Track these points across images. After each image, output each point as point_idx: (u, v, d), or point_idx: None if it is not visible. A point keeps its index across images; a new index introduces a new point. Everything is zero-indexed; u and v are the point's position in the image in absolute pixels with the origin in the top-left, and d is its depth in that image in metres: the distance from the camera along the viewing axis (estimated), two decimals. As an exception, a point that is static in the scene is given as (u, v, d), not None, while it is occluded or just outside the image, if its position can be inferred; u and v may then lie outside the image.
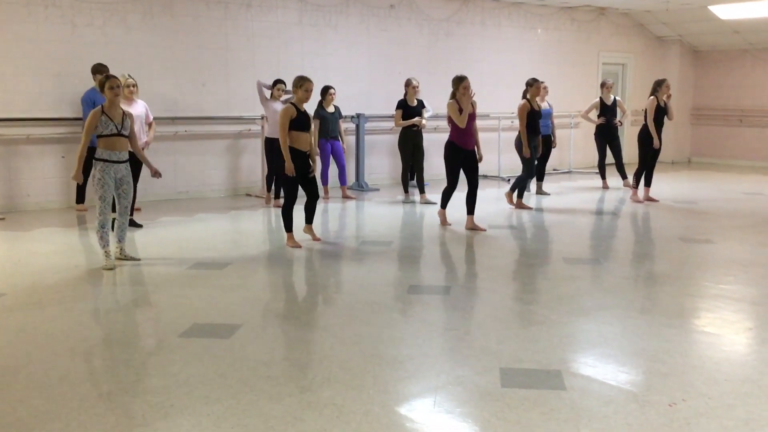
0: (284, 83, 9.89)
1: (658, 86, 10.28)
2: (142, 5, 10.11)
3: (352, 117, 11.62)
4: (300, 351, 4.56)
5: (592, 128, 12.15)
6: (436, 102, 11.30)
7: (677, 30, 15.79)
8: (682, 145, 16.65)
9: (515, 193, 9.90)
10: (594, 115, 11.97)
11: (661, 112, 10.22)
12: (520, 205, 9.84)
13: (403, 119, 10.33)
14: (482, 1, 13.46)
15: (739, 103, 15.90)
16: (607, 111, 11.77)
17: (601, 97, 11.86)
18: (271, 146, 9.53)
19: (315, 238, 7.68)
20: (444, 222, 8.57)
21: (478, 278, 6.49)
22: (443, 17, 13.08)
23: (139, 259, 6.78)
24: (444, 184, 8.54)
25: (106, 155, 6.43)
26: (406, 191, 10.56)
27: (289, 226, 7.47)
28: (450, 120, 8.23)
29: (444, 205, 8.60)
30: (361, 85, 12.10)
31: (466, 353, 4.43)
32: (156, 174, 6.95)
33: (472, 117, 8.22)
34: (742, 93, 15.87)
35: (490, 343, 4.61)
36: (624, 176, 11.79)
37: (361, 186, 11.71)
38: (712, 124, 16.42)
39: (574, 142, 14.64)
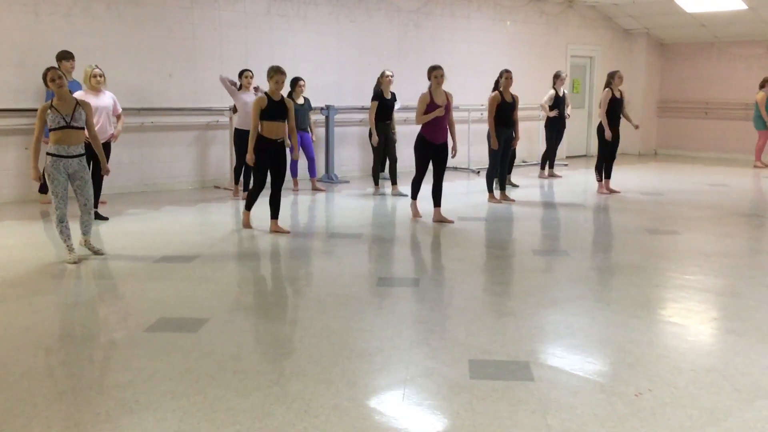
0: (251, 71, 9.76)
1: (612, 78, 10.39)
2: (107, -6, 9.94)
3: (322, 108, 11.56)
4: (268, 345, 4.52)
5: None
6: (407, 93, 11.28)
7: (644, 23, 15.95)
8: (648, 137, 16.84)
9: (496, 189, 9.90)
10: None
11: (616, 104, 10.33)
12: (503, 198, 9.81)
13: (378, 111, 10.16)
14: (452, -8, 13.45)
15: (705, 95, 16.12)
16: (560, 103, 12.03)
17: (555, 89, 12.00)
18: (240, 138, 9.43)
19: (284, 231, 7.65)
20: (416, 214, 8.54)
21: (448, 270, 6.49)
22: (413, 8, 13.05)
23: (103, 253, 6.64)
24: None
25: (55, 150, 6.23)
26: (376, 183, 10.55)
27: (249, 205, 7.79)
28: (423, 110, 8.10)
29: (414, 195, 8.58)
30: (331, 77, 12.03)
31: (435, 345, 4.43)
32: (105, 172, 6.85)
33: (446, 110, 8.14)
34: (707, 86, 16.09)
35: (459, 335, 4.61)
36: (551, 166, 12.39)
37: (330, 178, 11.66)
38: (679, 117, 16.63)
39: (543, 134, 14.70)
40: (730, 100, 15.69)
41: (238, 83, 9.72)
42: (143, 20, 10.26)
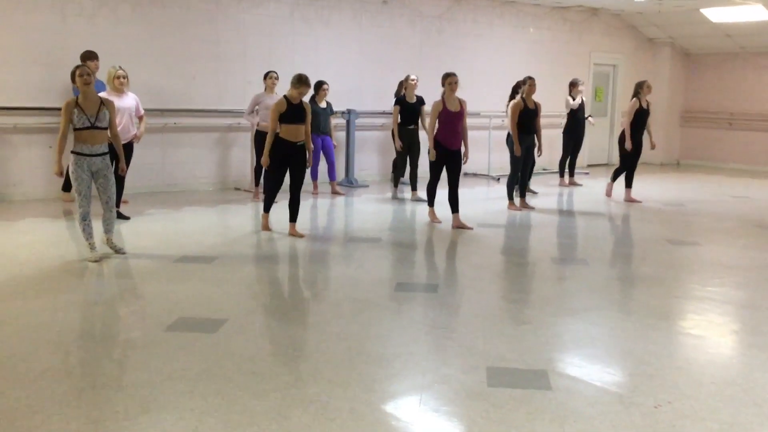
0: (275, 72, 9.79)
1: (640, 88, 10.30)
2: (133, -4, 10.04)
3: (343, 113, 11.58)
4: (286, 347, 4.53)
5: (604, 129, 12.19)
6: (427, 98, 11.26)
7: (669, 32, 15.83)
8: (671, 147, 16.70)
9: (516, 196, 9.85)
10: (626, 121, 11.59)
11: (642, 115, 10.25)
12: (523, 205, 9.72)
13: (401, 116, 10.14)
14: (475, -1, 13.45)
15: (729, 106, 15.97)
16: (578, 111, 12.03)
17: (573, 96, 11.99)
18: (261, 139, 9.46)
19: (299, 235, 7.63)
20: (434, 219, 8.54)
21: (466, 277, 6.47)
22: (435, 14, 13.06)
23: (125, 252, 6.69)
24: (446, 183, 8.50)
25: (79, 148, 6.29)
26: (396, 187, 10.56)
27: (267, 207, 7.83)
28: (437, 117, 8.18)
29: (431, 202, 8.59)
30: (352, 81, 12.06)
31: (453, 352, 4.42)
32: (122, 171, 6.90)
33: (460, 116, 8.16)
34: (732, 96, 15.93)
35: (476, 342, 4.60)
36: (572, 174, 12.41)
37: (350, 182, 11.68)
38: (702, 127, 16.49)
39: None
40: (755, 111, 15.53)
41: (254, 103, 9.72)
42: (168, 23, 10.35)
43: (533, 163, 10.26)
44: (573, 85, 12.03)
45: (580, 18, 15.03)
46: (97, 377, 3.95)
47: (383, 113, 11.75)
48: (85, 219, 6.40)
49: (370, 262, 6.72)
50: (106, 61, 8.94)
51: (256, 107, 9.70)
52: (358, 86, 12.12)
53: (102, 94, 7.63)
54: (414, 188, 10.29)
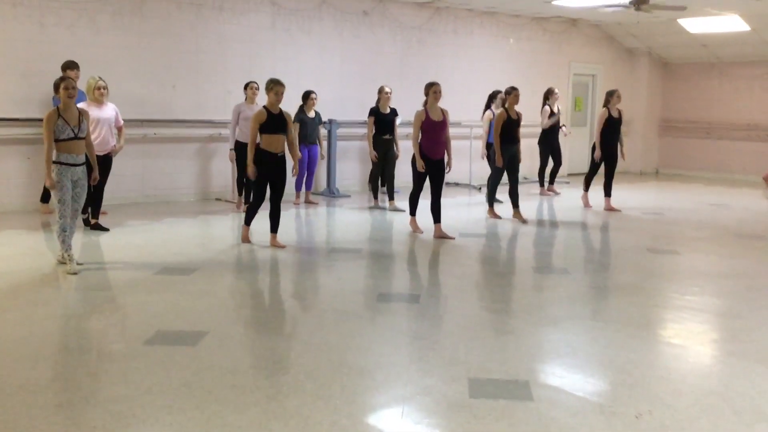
0: (256, 83, 9.75)
1: (610, 97, 10.42)
2: (112, 6, 9.98)
3: (324, 123, 11.57)
4: (267, 359, 4.50)
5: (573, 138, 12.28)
6: (410, 108, 11.27)
7: (647, 42, 16.00)
8: (650, 156, 16.85)
9: (496, 203, 9.94)
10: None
11: (614, 124, 10.35)
12: (517, 217, 9.54)
13: (376, 126, 10.28)
14: (455, 9, 13.50)
15: (707, 115, 16.14)
16: (555, 120, 12.19)
17: (549, 105, 12.10)
18: (241, 150, 9.46)
19: (281, 246, 7.57)
20: (416, 229, 8.52)
21: (447, 287, 6.47)
22: (416, 25, 13.10)
23: (81, 264, 6.49)
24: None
25: (63, 158, 6.30)
26: (375, 197, 10.58)
27: (248, 220, 7.70)
28: (419, 127, 8.15)
29: (413, 211, 8.55)
30: (334, 91, 12.05)
31: (435, 363, 4.41)
32: (94, 180, 6.71)
33: (443, 126, 8.18)
34: (709, 106, 16.11)
35: (458, 352, 4.59)
36: (551, 182, 12.54)
37: (332, 192, 11.66)
38: (680, 136, 16.65)
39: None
40: (732, 120, 15.70)
41: (236, 114, 9.72)
42: (148, 33, 10.30)
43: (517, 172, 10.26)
44: (550, 93, 12.14)
45: (559, 28, 15.14)
46: (75, 392, 3.90)
47: (364, 123, 11.75)
48: (65, 230, 6.35)
49: (351, 273, 6.71)
50: (86, 70, 8.88)
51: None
52: (340, 96, 12.12)
53: (81, 105, 7.58)
54: (391, 198, 10.30)
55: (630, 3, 11.22)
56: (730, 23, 13.55)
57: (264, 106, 7.41)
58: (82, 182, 6.44)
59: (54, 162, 6.30)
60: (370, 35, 12.56)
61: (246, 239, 7.78)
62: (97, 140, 7.75)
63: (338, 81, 12.17)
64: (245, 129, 9.33)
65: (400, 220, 9.36)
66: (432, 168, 8.21)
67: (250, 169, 7.39)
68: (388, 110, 10.36)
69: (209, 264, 6.86)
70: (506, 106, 9.54)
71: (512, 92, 9.49)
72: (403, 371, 4.27)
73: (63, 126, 6.25)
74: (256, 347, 4.74)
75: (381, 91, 10.41)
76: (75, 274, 6.28)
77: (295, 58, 11.64)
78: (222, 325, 5.08)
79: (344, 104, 12.13)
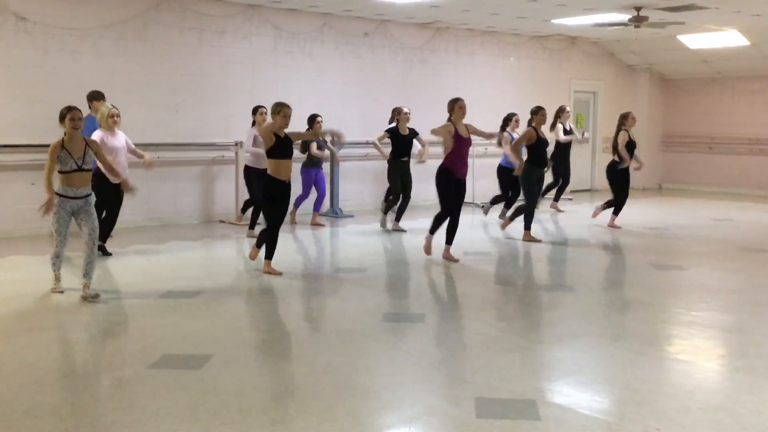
0: (265, 107, 9.58)
1: (625, 120, 10.30)
2: (115, 31, 10.07)
3: (326, 143, 11.60)
4: (272, 381, 4.49)
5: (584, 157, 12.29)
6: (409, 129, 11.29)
7: (647, 59, 16.06)
8: (652, 171, 16.85)
9: (512, 221, 9.70)
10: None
11: (631, 146, 10.27)
12: (528, 238, 9.32)
13: (393, 148, 10.03)
14: (455, 29, 13.59)
15: (709, 130, 16.17)
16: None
17: (561, 123, 12.04)
18: (251, 177, 9.47)
19: (276, 273, 7.27)
20: (428, 250, 8.17)
21: (453, 306, 6.47)
22: (417, 45, 13.19)
23: (97, 299, 6.25)
24: (432, 210, 8.35)
25: (63, 191, 6.23)
26: (385, 215, 10.49)
27: (270, 253, 7.29)
28: (450, 137, 7.79)
29: (433, 231, 8.16)
30: (336, 112, 12.09)
31: (441, 383, 4.40)
32: (129, 189, 6.96)
33: (469, 143, 7.93)
34: (711, 120, 16.14)
35: (464, 372, 4.58)
36: (556, 199, 12.38)
37: (335, 212, 11.67)
38: (682, 151, 16.67)
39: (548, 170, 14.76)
40: (734, 134, 15.72)
41: (254, 138, 9.45)
42: (150, 57, 10.38)
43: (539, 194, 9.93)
44: (561, 112, 12.04)
45: (559, 46, 15.22)
46: (82, 417, 3.89)
47: (367, 143, 11.79)
48: (59, 257, 6.47)
49: (357, 293, 6.70)
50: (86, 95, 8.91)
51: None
52: (342, 117, 12.15)
53: (96, 134, 7.62)
54: (398, 219, 10.29)
55: (629, 20, 11.29)
56: (730, 38, 13.61)
57: (272, 131, 7.12)
58: (84, 209, 6.31)
59: (55, 193, 6.25)
60: (371, 56, 12.63)
61: (274, 271, 7.29)
62: (118, 168, 7.58)
63: (340, 102, 12.23)
64: (261, 156, 8.95)
65: (405, 240, 9.36)
66: (456, 186, 7.91)
67: (276, 170, 7.08)
68: (407, 131, 10.11)
69: (213, 287, 6.87)
70: (534, 125, 9.27)
71: (539, 111, 9.24)
72: (409, 391, 4.25)
73: (66, 158, 6.19)
74: (261, 370, 4.73)
75: (399, 112, 10.14)
76: (61, 292, 6.43)
77: (297, 79, 11.71)
78: (227, 348, 5.08)
79: (346, 125, 12.15)
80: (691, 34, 13.79)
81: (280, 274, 7.27)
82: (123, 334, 5.54)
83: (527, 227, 9.40)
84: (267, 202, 7.25)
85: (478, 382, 4.39)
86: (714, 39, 13.83)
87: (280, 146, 7.07)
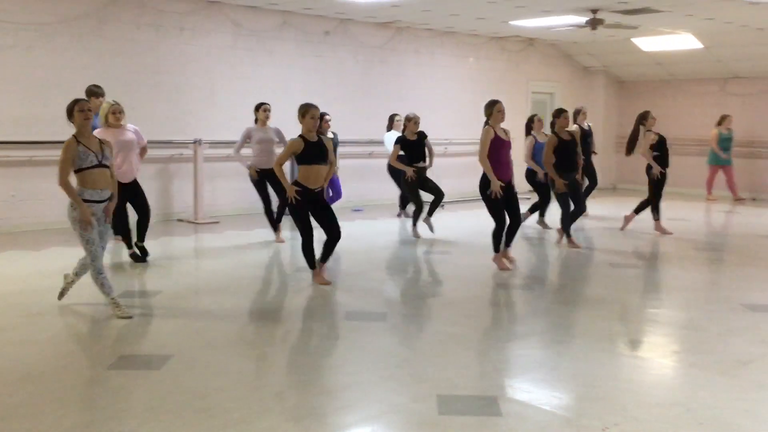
0: (269, 104, 9.12)
1: (644, 119, 10.12)
2: (71, 26, 9.88)
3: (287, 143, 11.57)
4: (234, 382, 4.45)
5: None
6: (372, 127, 11.35)
7: (602, 61, 16.34)
8: (607, 171, 17.13)
9: (567, 232, 9.15)
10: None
11: (663, 144, 10.08)
12: (572, 244, 8.97)
13: (406, 154, 9.53)
14: (415, 29, 13.65)
15: (662, 131, 16.33)
16: (588, 137, 11.52)
17: (579, 124, 11.39)
18: (261, 177, 8.81)
19: (326, 282, 6.79)
20: (503, 266, 7.62)
21: (414, 304, 6.49)
22: (377, 44, 13.21)
23: (61, 296, 5.96)
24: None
25: (87, 194, 5.46)
26: (403, 208, 10.77)
27: (312, 263, 6.80)
28: (488, 145, 7.36)
29: (498, 248, 7.67)
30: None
31: (403, 381, 4.42)
32: (107, 212, 5.69)
33: (509, 145, 7.53)
34: (664, 122, 16.39)
35: (426, 370, 4.61)
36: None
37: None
38: (636, 152, 16.94)
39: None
40: (687, 136, 16.07)
41: (245, 137, 8.96)
42: (107, 53, 10.21)
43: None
44: (578, 112, 11.52)
45: (517, 48, 15.39)
46: (40, 421, 3.81)
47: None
48: (101, 272, 5.62)
49: (320, 292, 6.69)
50: (45, 92, 8.76)
51: (248, 142, 8.97)
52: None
53: (97, 132, 6.85)
54: (431, 213, 9.72)
55: (585, 23, 11.48)
56: (684, 41, 13.92)
57: (300, 135, 6.61)
58: (102, 220, 5.64)
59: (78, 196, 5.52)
60: (332, 55, 12.62)
61: (322, 281, 6.83)
62: (123, 167, 7.28)
63: (301, 101, 12.11)
64: (262, 154, 8.75)
65: (363, 235, 9.36)
66: (504, 190, 7.48)
67: (291, 192, 6.56)
68: (416, 136, 9.62)
69: (172, 286, 6.79)
70: (556, 129, 8.84)
71: (561, 114, 8.82)
72: (372, 390, 4.27)
73: (85, 152, 5.46)
74: (222, 370, 4.69)
75: (409, 119, 9.63)
76: (129, 318, 5.60)
77: (256, 78, 11.64)
78: (187, 348, 5.02)
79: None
80: (646, 36, 14.07)
81: (328, 283, 6.80)
82: (79, 335, 5.44)
83: (567, 233, 9.06)
84: (294, 213, 6.67)
85: (440, 380, 4.42)
86: (668, 42, 14.14)
87: (309, 151, 6.52)
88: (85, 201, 5.43)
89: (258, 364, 4.79)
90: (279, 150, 8.14)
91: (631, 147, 10.30)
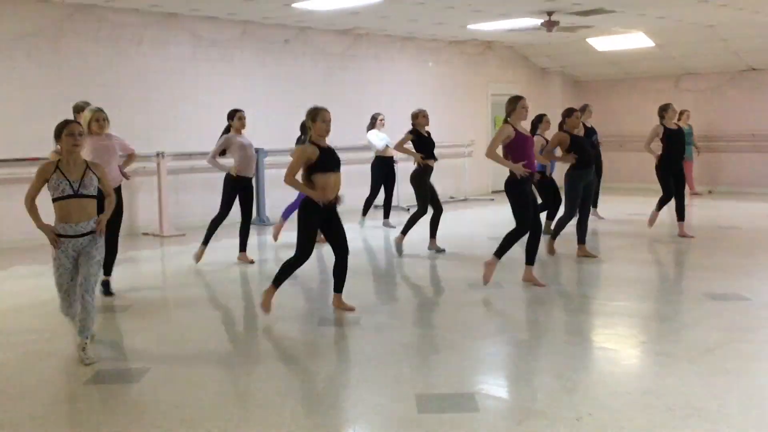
0: (243, 111, 8.61)
1: (665, 111, 9.75)
2: (28, 42, 9.77)
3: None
4: (213, 392, 4.47)
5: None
6: (336, 132, 11.33)
7: (559, 62, 16.64)
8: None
9: (554, 236, 8.60)
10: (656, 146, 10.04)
11: (676, 135, 9.71)
12: (585, 253, 8.34)
13: (418, 150, 8.86)
14: (374, 36, 13.76)
15: (619, 128, 16.84)
16: (592, 135, 11.23)
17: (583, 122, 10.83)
18: (236, 185, 8.22)
19: (349, 308, 6.17)
20: (537, 282, 6.97)
21: (387, 307, 6.56)
22: (337, 51, 13.28)
23: (93, 362, 4.95)
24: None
25: (60, 228, 4.87)
26: (433, 238, 9.03)
27: (280, 280, 5.95)
28: (508, 147, 6.82)
29: (532, 260, 7.07)
30: (260, 119, 12.05)
31: (381, 382, 4.49)
32: (100, 230, 5.05)
33: (531, 141, 7.02)
34: (621, 119, 16.82)
35: (403, 371, 4.68)
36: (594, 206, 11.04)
37: (262, 220, 11.63)
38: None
39: (469, 171, 15.12)
40: (643, 132, 16.35)
41: (226, 132, 8.42)
42: (65, 68, 10.11)
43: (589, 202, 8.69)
44: (583, 110, 11.05)
45: (475, 51, 15.59)
46: (18, 438, 3.80)
47: (289, 150, 11.79)
48: (74, 317, 5.11)
49: (292, 298, 6.70)
50: (2, 111, 8.63)
51: (225, 151, 8.40)
52: (266, 124, 12.12)
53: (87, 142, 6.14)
54: (433, 235, 9.01)
55: (541, 25, 11.70)
56: (636, 40, 14.25)
57: (310, 141, 5.83)
58: (87, 249, 4.96)
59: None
60: (293, 63, 12.66)
61: (342, 306, 6.15)
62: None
63: (264, 109, 12.19)
64: (244, 161, 8.27)
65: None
66: (537, 185, 6.91)
67: (318, 194, 5.70)
68: (428, 134, 9.10)
69: (143, 299, 6.76)
70: (566, 128, 8.41)
71: (572, 114, 8.38)
72: (351, 392, 4.33)
73: (58, 180, 4.86)
74: (200, 381, 4.70)
75: (421, 113, 9.09)
76: (93, 363, 4.90)
77: (217, 88, 11.62)
78: (163, 361, 5.02)
79: (270, 132, 12.14)
80: (600, 36, 14.38)
81: (352, 309, 6.18)
82: (56, 352, 5.39)
83: (581, 240, 8.38)
84: (305, 226, 5.85)
85: (417, 380, 4.50)
86: (621, 41, 14.46)
87: (325, 157, 5.78)
88: (59, 236, 4.90)
89: (235, 373, 4.81)
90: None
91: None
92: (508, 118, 6.94)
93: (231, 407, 4.17)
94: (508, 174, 6.83)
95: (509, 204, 6.83)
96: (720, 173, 15.75)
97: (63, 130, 5.04)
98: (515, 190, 6.73)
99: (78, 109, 7.48)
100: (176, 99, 11.12)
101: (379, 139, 10.91)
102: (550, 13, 11.33)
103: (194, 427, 3.85)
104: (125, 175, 7.18)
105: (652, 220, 9.88)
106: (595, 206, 11.26)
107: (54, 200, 4.91)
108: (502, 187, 6.94)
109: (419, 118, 9.10)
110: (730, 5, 10.92)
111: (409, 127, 9.16)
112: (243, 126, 8.47)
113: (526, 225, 6.77)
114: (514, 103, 6.93)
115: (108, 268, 6.81)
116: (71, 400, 4.31)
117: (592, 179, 8.38)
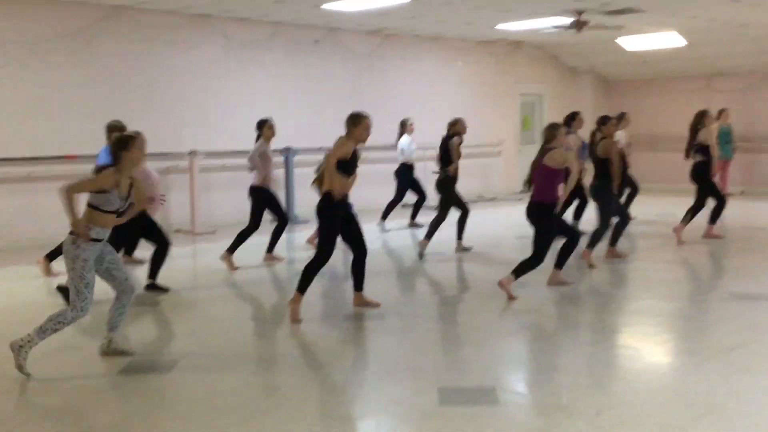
0: (271, 118, 8.52)
1: (704, 117, 9.51)
2: (64, 43, 10.02)
3: (281, 150, 11.72)
4: (241, 382, 4.59)
5: (510, 156, 12.58)
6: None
7: (589, 61, 16.58)
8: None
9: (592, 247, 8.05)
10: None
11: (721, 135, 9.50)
12: (613, 254, 8.26)
13: (448, 157, 8.81)
14: (403, 36, 13.85)
15: (649, 129, 16.72)
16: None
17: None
18: (261, 196, 8.21)
19: (374, 304, 6.23)
20: (559, 282, 6.92)
21: (411, 304, 6.65)
22: (366, 52, 13.40)
23: (131, 354, 5.09)
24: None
25: (95, 233, 4.77)
26: (459, 239, 9.02)
27: (304, 286, 5.88)
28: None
29: (561, 265, 6.97)
30: (289, 119, 12.21)
31: (404, 376, 4.58)
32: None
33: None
34: (651, 120, 16.70)
35: (426, 365, 4.77)
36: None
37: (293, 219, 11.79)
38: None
39: (498, 171, 15.16)
40: (674, 132, 16.26)
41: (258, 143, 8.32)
42: (100, 69, 10.34)
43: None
44: (620, 118, 11.01)
45: (504, 51, 15.60)
46: (60, 423, 3.96)
47: (320, 149, 11.93)
48: (67, 322, 4.84)
49: (316, 296, 6.82)
50: (39, 108, 8.87)
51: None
52: (295, 124, 12.28)
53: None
54: (460, 237, 9.05)
55: (570, 24, 11.69)
56: (668, 39, 14.15)
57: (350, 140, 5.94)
58: (107, 248, 4.96)
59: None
60: (322, 63, 12.80)
61: (296, 317, 5.86)
62: None
63: (292, 110, 12.35)
64: (271, 174, 8.29)
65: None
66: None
67: (345, 187, 5.85)
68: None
69: (173, 295, 6.92)
70: (604, 136, 8.18)
71: (607, 122, 8.21)
72: (375, 386, 4.43)
73: (115, 198, 4.81)
74: (228, 372, 4.83)
75: (458, 122, 9.08)
76: (27, 375, 4.68)
77: (248, 88, 11.80)
78: (192, 353, 5.16)
79: (299, 132, 12.29)
80: (630, 35, 14.29)
81: (378, 305, 6.25)
82: (88, 343, 5.56)
83: (613, 243, 8.28)
84: (329, 225, 5.88)
85: (439, 374, 4.59)
86: (652, 40, 14.35)
87: (353, 160, 5.95)
88: (95, 240, 4.79)
89: (262, 365, 4.94)
90: None
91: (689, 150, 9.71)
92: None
93: (257, 398, 4.30)
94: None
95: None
96: (752, 174, 15.58)
97: (133, 143, 4.87)
98: (546, 213, 6.56)
99: (112, 128, 7.34)
100: (207, 99, 11.31)
101: (411, 147, 10.91)
102: (579, 13, 11.31)
103: (223, 415, 3.98)
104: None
105: (711, 234, 9.52)
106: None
107: (99, 209, 4.78)
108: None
109: (460, 125, 9.04)
110: (762, 5, 10.83)
111: (438, 128, 9.20)
112: (273, 134, 8.38)
113: (544, 254, 6.51)
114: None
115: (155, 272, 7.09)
116: (105, 389, 4.47)
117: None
